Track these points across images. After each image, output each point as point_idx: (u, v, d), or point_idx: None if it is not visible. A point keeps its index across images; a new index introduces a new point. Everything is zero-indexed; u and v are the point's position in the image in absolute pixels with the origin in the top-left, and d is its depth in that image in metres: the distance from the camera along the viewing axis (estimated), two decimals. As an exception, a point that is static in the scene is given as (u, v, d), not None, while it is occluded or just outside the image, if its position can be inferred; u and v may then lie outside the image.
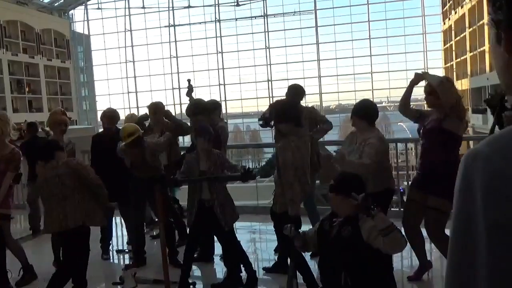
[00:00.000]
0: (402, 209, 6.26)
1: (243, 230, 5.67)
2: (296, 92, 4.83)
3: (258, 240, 5.78)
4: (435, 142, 3.57)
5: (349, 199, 2.60)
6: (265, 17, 37.93)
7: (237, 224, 4.33)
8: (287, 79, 35.18)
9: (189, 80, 5.50)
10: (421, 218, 3.80)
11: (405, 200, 4.39)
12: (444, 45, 40.09)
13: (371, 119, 3.80)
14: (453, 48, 38.14)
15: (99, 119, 6.04)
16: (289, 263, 3.36)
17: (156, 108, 5.51)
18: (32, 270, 4.59)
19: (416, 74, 3.84)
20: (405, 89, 3.99)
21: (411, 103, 4.07)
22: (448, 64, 38.91)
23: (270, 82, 37.51)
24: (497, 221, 0.56)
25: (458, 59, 37.23)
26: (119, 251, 5.55)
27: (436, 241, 3.70)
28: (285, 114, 3.92)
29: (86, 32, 44.39)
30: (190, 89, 5.33)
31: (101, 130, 5.54)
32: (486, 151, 0.60)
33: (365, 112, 3.81)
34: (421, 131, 3.75)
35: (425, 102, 3.92)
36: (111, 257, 5.37)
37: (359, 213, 2.61)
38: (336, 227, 2.70)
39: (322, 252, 2.90)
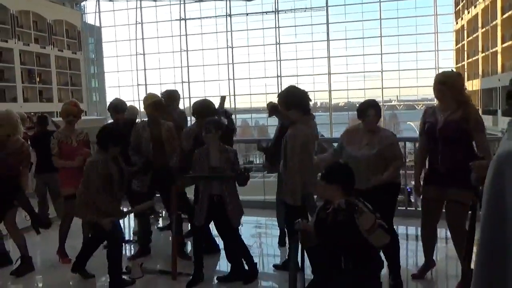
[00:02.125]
0: (408, 208, 6.28)
1: (249, 225, 5.69)
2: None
3: (264, 235, 5.80)
4: (454, 138, 3.57)
5: (336, 187, 2.82)
6: (276, 12, 37.85)
7: (244, 219, 4.35)
8: (297, 75, 35.16)
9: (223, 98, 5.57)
10: (439, 216, 3.80)
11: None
12: (456, 45, 39.77)
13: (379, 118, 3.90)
14: (465, 48, 37.82)
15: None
16: (289, 258, 3.38)
17: (174, 96, 5.65)
18: (30, 262, 4.59)
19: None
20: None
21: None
22: (460, 64, 38.59)
23: (279, 78, 37.47)
24: None
25: (470, 59, 36.92)
26: (126, 241, 5.59)
27: (455, 234, 3.67)
28: (293, 101, 3.94)
29: (97, 24, 44.54)
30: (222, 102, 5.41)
31: (110, 121, 5.55)
32: None
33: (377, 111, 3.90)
34: (436, 131, 3.68)
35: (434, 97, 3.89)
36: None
37: (351, 198, 2.80)
38: (332, 213, 2.83)
39: (321, 240, 2.96)
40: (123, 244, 4.34)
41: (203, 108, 4.72)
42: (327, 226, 2.83)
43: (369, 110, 3.78)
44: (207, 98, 5.15)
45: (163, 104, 4.94)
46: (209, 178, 4.05)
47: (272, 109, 4.93)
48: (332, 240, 2.82)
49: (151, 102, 4.78)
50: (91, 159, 4.10)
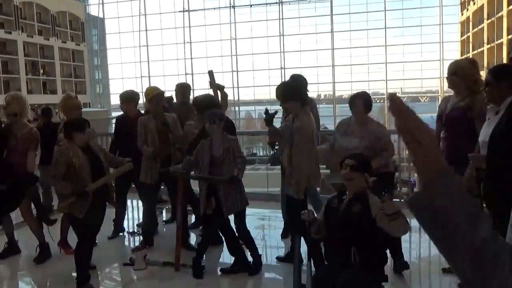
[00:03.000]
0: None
1: (253, 217, 5.70)
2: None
3: (267, 227, 5.81)
4: (460, 130, 3.56)
5: (364, 177, 2.80)
6: (280, 4, 37.64)
7: (247, 211, 4.36)
8: (301, 67, 35.04)
9: (210, 72, 5.36)
10: None
11: None
12: (461, 37, 39.49)
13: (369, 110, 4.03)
14: (470, 40, 37.57)
15: (112, 102, 6.03)
16: (295, 250, 3.39)
17: (186, 89, 5.72)
18: (48, 248, 4.69)
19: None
20: None
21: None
22: (465, 56, 38.36)
23: (283, 70, 37.35)
24: None
25: (475, 51, 36.68)
26: (131, 233, 5.62)
27: None
28: (291, 93, 3.94)
29: (101, 15, 44.45)
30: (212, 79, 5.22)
31: (121, 113, 5.55)
32: None
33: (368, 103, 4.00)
34: (443, 117, 3.71)
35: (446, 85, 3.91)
36: (121, 238, 5.46)
37: (367, 191, 2.78)
38: (346, 203, 2.85)
39: (329, 229, 2.98)
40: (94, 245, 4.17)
41: (206, 102, 4.72)
42: (340, 217, 2.85)
43: (356, 100, 3.86)
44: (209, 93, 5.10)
45: (165, 97, 4.95)
46: (204, 180, 4.09)
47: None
48: (343, 231, 2.83)
49: (155, 94, 4.80)
50: (58, 148, 4.09)
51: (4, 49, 39.04)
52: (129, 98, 5.32)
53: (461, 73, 3.61)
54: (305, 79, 4.91)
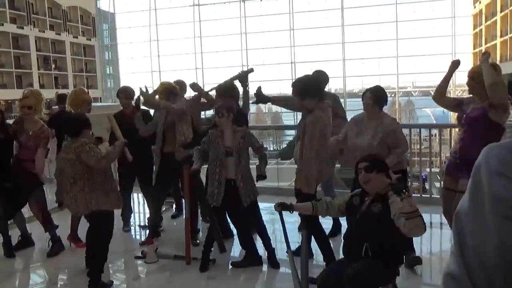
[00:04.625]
0: (423, 195, 6.24)
1: (263, 211, 5.70)
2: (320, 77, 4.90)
3: (278, 221, 5.81)
4: (479, 131, 3.56)
5: (384, 177, 2.78)
6: (290, -3, 37.41)
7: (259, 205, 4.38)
8: (311, 62, 34.87)
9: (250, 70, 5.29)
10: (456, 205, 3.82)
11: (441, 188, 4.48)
12: (474, 30, 38.99)
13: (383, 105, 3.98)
14: (483, 33, 37.08)
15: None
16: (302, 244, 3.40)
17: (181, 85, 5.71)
18: (60, 242, 4.75)
19: (455, 62, 3.84)
20: (443, 77, 3.95)
21: (450, 89, 4.09)
22: (477, 49, 37.87)
23: (293, 64, 37.20)
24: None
25: (488, 44, 36.20)
26: (142, 227, 5.67)
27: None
28: (309, 91, 3.93)
29: (111, 10, 44.56)
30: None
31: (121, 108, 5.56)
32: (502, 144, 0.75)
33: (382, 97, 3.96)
34: (463, 118, 3.72)
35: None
36: (133, 232, 5.51)
37: (388, 192, 2.72)
38: (367, 203, 2.86)
39: (349, 226, 3.05)
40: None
41: (227, 91, 4.74)
42: (359, 214, 2.87)
43: (366, 93, 3.84)
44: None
45: (174, 90, 4.95)
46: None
47: None
48: (360, 228, 2.85)
49: (163, 88, 4.83)
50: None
51: (16, 44, 39.36)
52: (131, 94, 5.36)
53: (477, 78, 3.63)
54: (326, 75, 4.96)
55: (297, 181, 3.95)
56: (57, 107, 6.29)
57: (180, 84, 5.69)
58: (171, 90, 4.87)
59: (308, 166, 3.82)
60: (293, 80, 4.15)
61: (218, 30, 40.30)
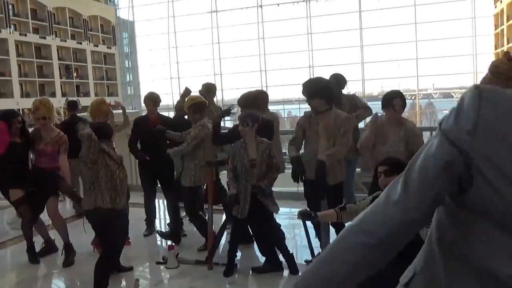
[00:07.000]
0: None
1: (283, 216, 5.70)
2: (337, 80, 4.97)
3: (297, 227, 5.79)
4: None
5: None
6: (307, 1, 37.40)
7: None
8: (329, 65, 34.74)
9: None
10: None
11: None
12: (495, 30, 38.33)
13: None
14: (505, 33, 36.41)
15: (142, 104, 6.15)
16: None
17: (209, 88, 5.79)
18: (72, 248, 4.79)
19: None
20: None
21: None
22: (499, 50, 37.19)
23: (311, 68, 37.11)
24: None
25: (510, 44, 35.52)
26: (159, 233, 5.70)
27: None
28: (317, 91, 3.95)
29: (131, 19, 45.18)
30: None
31: (144, 113, 5.67)
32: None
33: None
34: None
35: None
36: (156, 239, 5.55)
37: None
38: None
39: None
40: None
41: (250, 98, 4.72)
42: None
43: (395, 100, 3.78)
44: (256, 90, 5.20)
45: (203, 103, 4.94)
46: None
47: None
48: None
49: (191, 103, 4.83)
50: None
51: (39, 53, 40.16)
52: (158, 100, 5.49)
53: (496, 72, 3.56)
54: (343, 78, 5.02)
55: (330, 177, 3.94)
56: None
57: (208, 87, 5.79)
58: (197, 104, 4.84)
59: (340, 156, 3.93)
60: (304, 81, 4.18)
61: (236, 35, 40.52)
